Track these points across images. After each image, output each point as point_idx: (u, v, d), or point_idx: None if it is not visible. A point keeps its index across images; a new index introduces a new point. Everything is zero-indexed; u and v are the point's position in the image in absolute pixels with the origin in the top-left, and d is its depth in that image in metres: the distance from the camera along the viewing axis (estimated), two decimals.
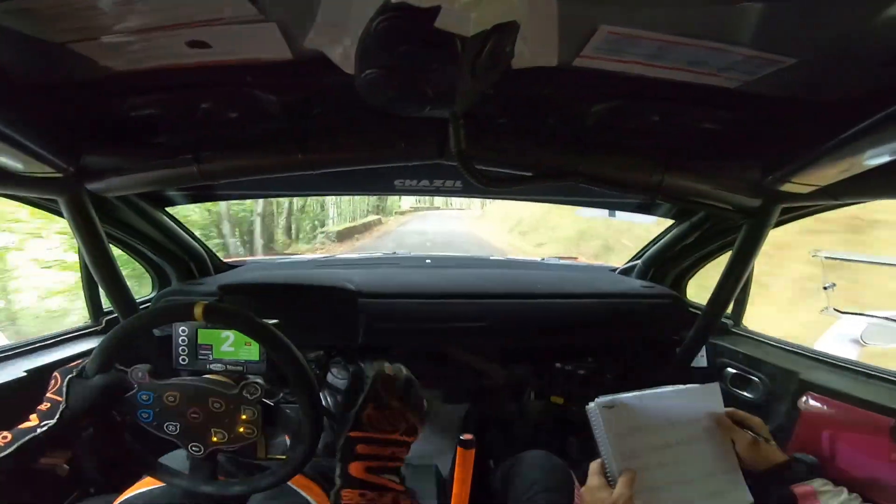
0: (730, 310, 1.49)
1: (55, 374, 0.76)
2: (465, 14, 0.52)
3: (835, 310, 1.67)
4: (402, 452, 0.71)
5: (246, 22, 0.63)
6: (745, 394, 1.33)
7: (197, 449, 0.78)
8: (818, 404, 1.10)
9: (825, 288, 1.65)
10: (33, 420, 0.72)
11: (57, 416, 0.71)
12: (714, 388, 0.87)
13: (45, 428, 0.70)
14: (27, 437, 0.69)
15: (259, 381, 0.79)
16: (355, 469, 0.65)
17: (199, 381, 0.80)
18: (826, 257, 1.62)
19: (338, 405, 0.72)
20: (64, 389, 0.72)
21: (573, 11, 0.60)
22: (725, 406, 0.90)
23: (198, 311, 0.71)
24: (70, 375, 0.74)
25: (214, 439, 0.77)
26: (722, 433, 0.85)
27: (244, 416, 0.77)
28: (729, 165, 1.01)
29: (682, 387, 0.88)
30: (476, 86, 0.72)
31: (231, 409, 0.77)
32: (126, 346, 0.76)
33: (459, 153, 0.89)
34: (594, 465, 0.81)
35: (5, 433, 0.70)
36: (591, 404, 0.82)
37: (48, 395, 0.74)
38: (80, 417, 0.73)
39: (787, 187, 0.92)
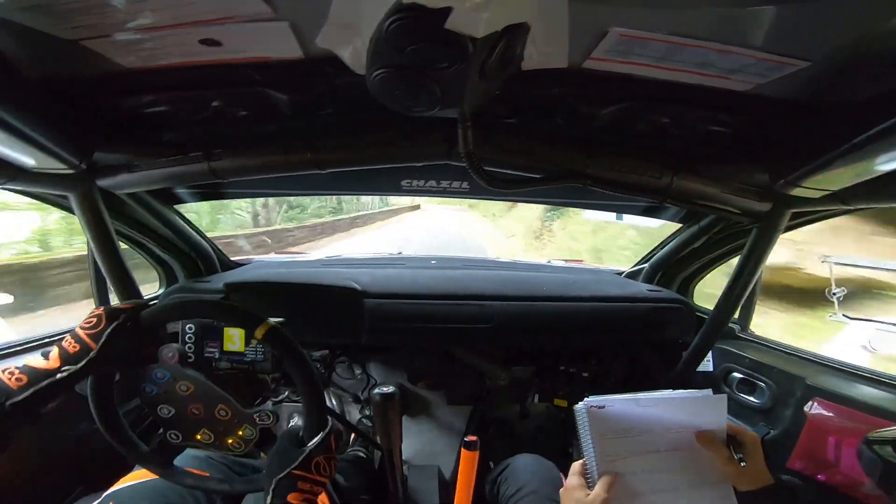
0: (737, 315, 1.48)
1: (100, 311, 0.69)
2: (475, 15, 0.52)
3: (844, 315, 1.65)
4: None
5: (258, 21, 0.63)
6: (751, 399, 1.32)
7: (175, 437, 0.78)
8: (825, 410, 1.09)
9: (834, 293, 1.63)
10: (53, 360, 0.65)
11: (83, 363, 0.65)
12: (721, 400, 0.81)
13: (65, 373, 0.64)
14: (46, 382, 0.63)
15: (273, 411, 0.80)
16: (294, 498, 0.65)
17: (219, 388, 0.80)
18: (836, 262, 1.60)
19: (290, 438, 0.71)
20: (104, 337, 0.66)
21: (584, 13, 0.60)
22: (727, 411, 0.84)
23: (260, 331, 0.69)
24: (117, 323, 0.67)
25: (198, 437, 0.78)
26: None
27: (241, 433, 0.77)
28: (739, 169, 1.01)
29: (684, 394, 0.82)
30: (485, 87, 0.72)
31: (234, 422, 0.77)
32: (187, 317, 0.75)
33: (467, 154, 0.89)
34: (575, 466, 0.79)
35: (19, 374, 0.63)
36: (580, 404, 0.78)
37: (81, 334, 0.67)
38: (104, 369, 0.69)
39: (798, 192, 0.91)
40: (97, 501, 0.81)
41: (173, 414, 0.78)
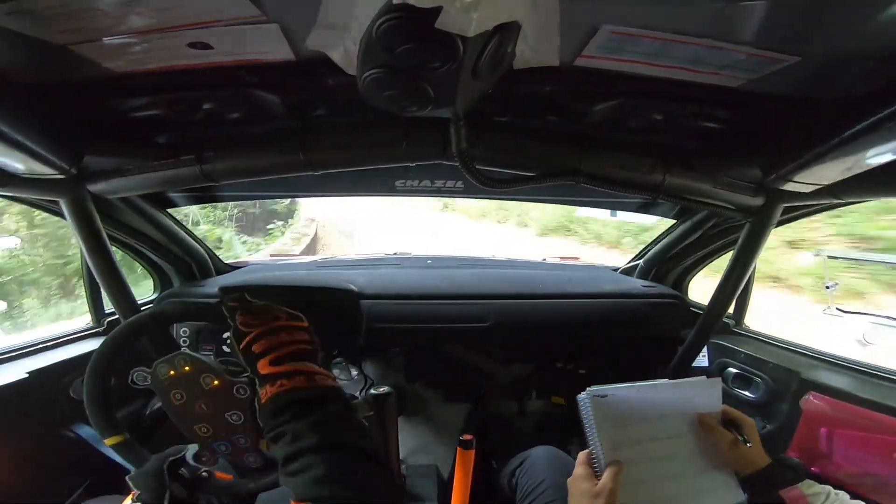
0: (731, 309, 1.48)
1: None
2: (466, 15, 0.52)
3: (837, 309, 1.66)
4: (301, 336, 0.71)
5: (248, 23, 0.63)
6: (746, 393, 1.33)
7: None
8: (820, 403, 1.10)
9: (827, 287, 1.64)
10: None
11: None
12: (715, 383, 0.85)
13: None
14: None
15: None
16: (262, 366, 0.65)
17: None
18: (829, 256, 1.62)
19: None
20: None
21: (575, 11, 0.60)
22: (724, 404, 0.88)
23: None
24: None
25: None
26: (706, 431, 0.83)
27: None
28: (731, 164, 1.01)
29: (681, 380, 0.85)
30: (477, 86, 0.72)
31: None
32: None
33: (460, 153, 0.89)
34: (581, 455, 0.80)
35: None
36: (583, 394, 0.79)
37: None
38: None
39: (790, 186, 0.92)
40: None
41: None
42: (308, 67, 0.77)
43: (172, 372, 0.74)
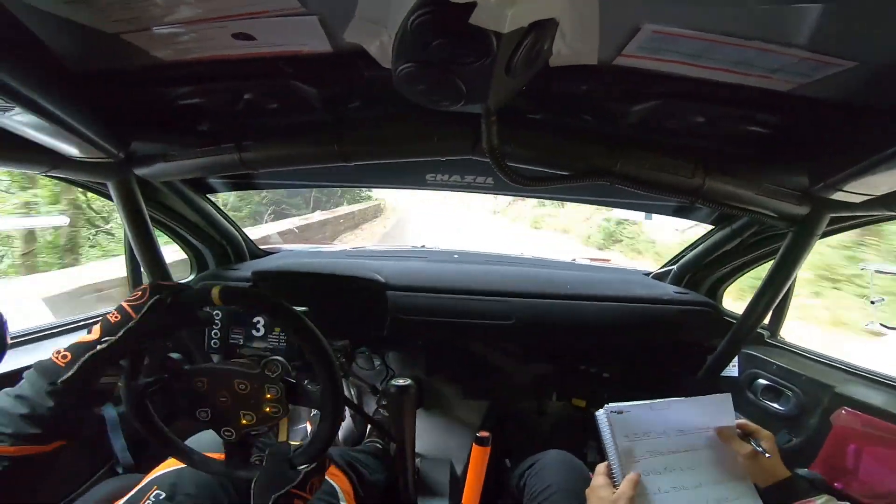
0: (767, 320, 1.43)
1: (146, 285, 0.74)
2: (501, 11, 0.52)
3: (881, 325, 1.57)
4: None
5: (289, 15, 0.64)
6: (775, 406, 1.28)
7: (229, 433, 0.79)
8: (852, 419, 1.05)
9: (872, 302, 1.55)
10: (94, 333, 0.70)
11: (121, 332, 0.66)
12: (726, 399, 0.88)
13: (104, 345, 0.66)
14: (87, 356, 0.65)
15: (279, 358, 0.79)
16: None
17: (225, 365, 0.81)
18: (876, 271, 1.52)
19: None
20: (144, 308, 0.68)
21: (616, 9, 0.59)
22: (750, 417, 0.88)
23: (215, 293, 0.71)
24: (158, 297, 0.70)
25: (244, 422, 0.78)
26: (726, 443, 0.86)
27: (269, 395, 0.77)
28: (776, 170, 0.97)
29: (693, 398, 0.89)
30: (511, 83, 0.71)
31: (256, 388, 0.77)
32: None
33: (491, 149, 0.88)
34: (600, 467, 0.84)
35: (64, 351, 0.67)
36: (601, 411, 0.84)
37: (125, 305, 0.72)
38: (142, 340, 0.70)
39: (839, 196, 0.87)
40: (139, 486, 0.80)
41: (211, 414, 0.78)
42: (345, 60, 0.78)
43: (269, 373, 0.77)
